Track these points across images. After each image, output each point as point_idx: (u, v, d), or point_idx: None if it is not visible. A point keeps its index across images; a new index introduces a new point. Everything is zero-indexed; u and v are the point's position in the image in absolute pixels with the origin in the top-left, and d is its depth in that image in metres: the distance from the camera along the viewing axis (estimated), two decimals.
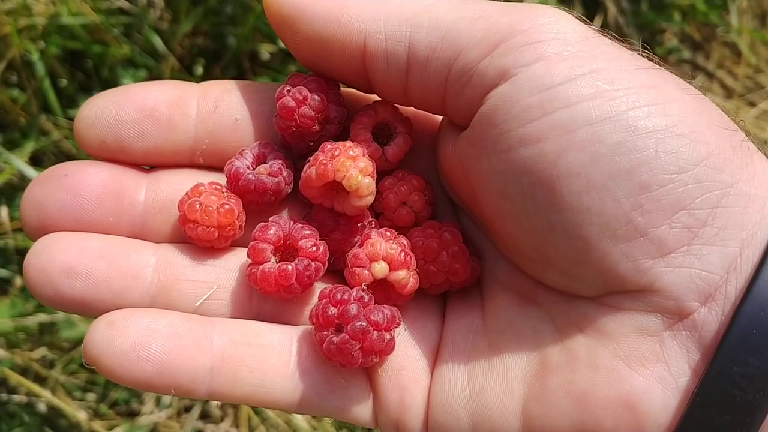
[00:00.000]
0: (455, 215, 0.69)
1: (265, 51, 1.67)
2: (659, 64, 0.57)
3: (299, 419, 1.48)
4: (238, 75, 1.64)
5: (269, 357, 0.61)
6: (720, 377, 0.50)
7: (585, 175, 0.52)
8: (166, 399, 1.51)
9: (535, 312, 0.60)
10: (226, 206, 0.63)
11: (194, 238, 0.64)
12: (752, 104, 2.00)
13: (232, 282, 0.65)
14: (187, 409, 1.53)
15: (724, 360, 0.50)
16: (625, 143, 0.52)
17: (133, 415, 1.52)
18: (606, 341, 0.55)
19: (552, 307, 0.59)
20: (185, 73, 1.59)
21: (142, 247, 0.64)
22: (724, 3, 1.95)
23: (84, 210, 0.63)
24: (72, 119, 1.55)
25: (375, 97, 0.69)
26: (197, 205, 0.63)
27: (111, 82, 1.56)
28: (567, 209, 0.53)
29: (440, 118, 0.70)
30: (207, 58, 1.64)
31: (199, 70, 1.62)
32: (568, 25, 0.56)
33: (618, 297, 0.55)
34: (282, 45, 1.66)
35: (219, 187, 0.65)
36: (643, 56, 0.57)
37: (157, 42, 1.56)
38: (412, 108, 0.67)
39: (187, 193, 0.64)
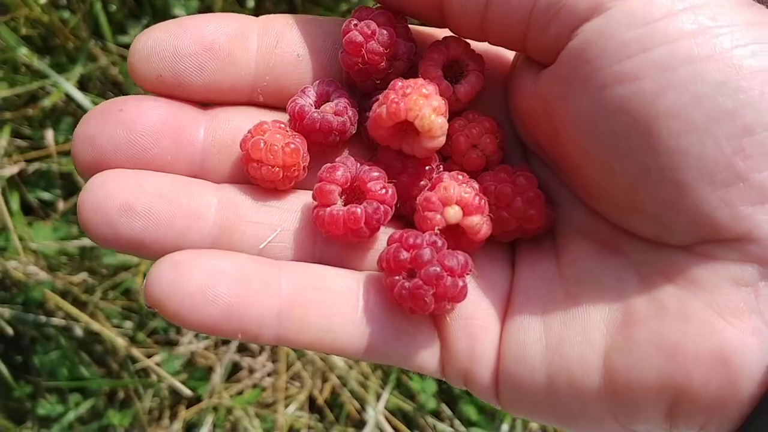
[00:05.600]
0: (525, 159, 0.66)
1: None
2: (759, 1, 0.53)
3: (335, 356, 1.49)
4: (290, 9, 1.60)
5: (338, 302, 0.59)
6: None
7: (685, 116, 0.49)
8: None
9: (617, 261, 0.58)
10: (292, 145, 0.60)
11: (257, 178, 0.61)
12: None
13: (295, 224, 0.63)
14: (225, 342, 1.54)
15: None
16: (729, 83, 0.49)
17: (170, 344, 1.53)
18: (698, 291, 0.52)
19: (637, 255, 0.57)
20: (236, 5, 1.55)
21: (203, 187, 0.62)
22: None
23: (141, 147, 0.61)
24: (121, 45, 1.52)
25: (440, 34, 0.65)
26: (261, 144, 0.60)
27: (161, 11, 1.52)
28: (663, 152, 0.50)
29: (511, 56, 0.67)
30: None
31: (251, 2, 1.57)
32: None
33: (712, 246, 0.52)
34: None
35: (283, 125, 0.62)
36: None
37: None
38: (481, 46, 0.63)
39: (249, 131, 0.61)
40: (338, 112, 0.62)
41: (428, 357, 0.61)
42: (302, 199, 0.64)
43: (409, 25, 0.65)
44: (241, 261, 0.59)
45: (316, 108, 0.63)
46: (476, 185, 0.62)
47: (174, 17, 1.47)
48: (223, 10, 1.51)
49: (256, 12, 1.55)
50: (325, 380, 1.53)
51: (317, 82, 0.64)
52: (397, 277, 0.58)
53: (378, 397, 1.51)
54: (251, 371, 1.52)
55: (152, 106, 0.62)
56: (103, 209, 0.58)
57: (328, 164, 0.61)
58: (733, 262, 0.51)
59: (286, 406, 1.49)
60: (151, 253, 0.59)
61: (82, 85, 1.52)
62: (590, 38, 0.52)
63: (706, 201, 0.50)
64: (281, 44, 0.64)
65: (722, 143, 0.49)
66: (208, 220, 0.60)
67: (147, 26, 1.50)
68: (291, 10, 1.60)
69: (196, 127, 0.63)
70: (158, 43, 0.61)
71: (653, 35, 0.50)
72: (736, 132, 0.49)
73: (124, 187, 0.59)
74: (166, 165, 0.62)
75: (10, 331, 1.47)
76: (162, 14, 1.53)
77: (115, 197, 0.58)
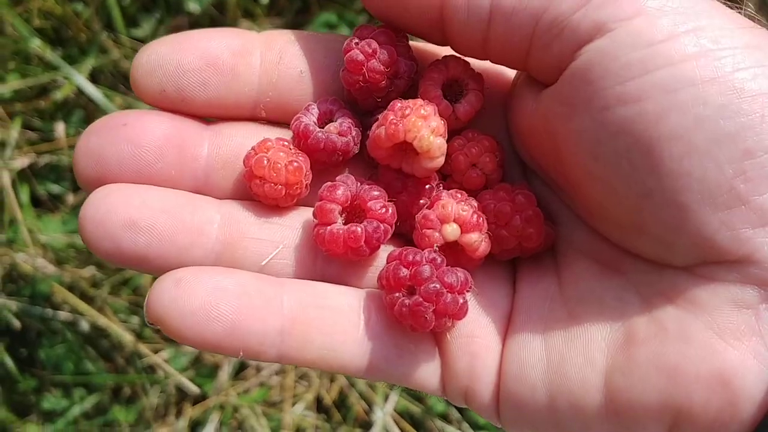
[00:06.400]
0: (525, 178, 0.66)
1: None
2: (760, 24, 0.54)
3: None
4: (303, 6, 1.59)
5: (339, 320, 0.60)
6: None
7: (687, 138, 0.50)
8: None
9: (618, 281, 0.58)
10: (295, 164, 0.61)
11: (260, 195, 0.62)
12: None
13: (296, 241, 0.63)
14: None
15: None
16: (730, 106, 0.49)
17: None
18: (698, 313, 0.53)
19: (638, 276, 0.57)
20: (251, 1, 1.55)
21: (206, 203, 0.62)
22: None
23: (145, 162, 0.61)
24: (133, 39, 1.52)
25: (442, 52, 0.66)
26: (265, 161, 0.60)
27: (174, 4, 1.52)
28: (666, 174, 0.51)
29: (510, 75, 0.67)
30: None
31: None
32: None
33: (713, 267, 0.52)
34: None
35: (286, 143, 0.63)
36: (742, 14, 0.53)
37: None
38: (481, 64, 0.63)
39: (253, 148, 0.62)
40: (342, 132, 0.63)
41: (429, 375, 0.62)
42: (304, 216, 0.64)
43: (411, 43, 0.65)
44: (242, 278, 0.59)
45: (319, 127, 0.63)
46: (474, 203, 0.62)
47: (187, 12, 1.47)
48: (238, 5, 1.51)
49: (271, 8, 1.55)
50: (332, 380, 1.53)
51: (320, 100, 0.64)
52: (397, 295, 0.58)
53: (386, 398, 1.51)
54: (258, 370, 1.53)
55: (156, 121, 0.62)
56: (106, 224, 0.58)
57: (329, 183, 0.62)
58: (734, 283, 0.52)
59: (293, 405, 1.50)
60: (154, 268, 0.60)
61: (94, 77, 1.53)
62: (593, 59, 0.52)
63: (707, 223, 0.51)
64: (284, 60, 0.64)
65: (723, 166, 0.50)
66: (210, 236, 0.61)
67: (160, 20, 1.51)
68: (305, 7, 1.60)
69: (199, 142, 0.63)
70: (161, 58, 0.62)
71: (656, 57, 0.50)
72: (738, 155, 0.49)
73: (127, 202, 0.59)
74: (169, 180, 0.62)
75: (16, 324, 1.49)
76: (175, 8, 1.53)
77: (119, 212, 0.58)
